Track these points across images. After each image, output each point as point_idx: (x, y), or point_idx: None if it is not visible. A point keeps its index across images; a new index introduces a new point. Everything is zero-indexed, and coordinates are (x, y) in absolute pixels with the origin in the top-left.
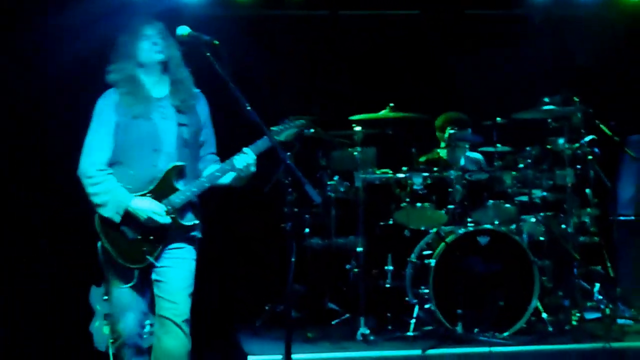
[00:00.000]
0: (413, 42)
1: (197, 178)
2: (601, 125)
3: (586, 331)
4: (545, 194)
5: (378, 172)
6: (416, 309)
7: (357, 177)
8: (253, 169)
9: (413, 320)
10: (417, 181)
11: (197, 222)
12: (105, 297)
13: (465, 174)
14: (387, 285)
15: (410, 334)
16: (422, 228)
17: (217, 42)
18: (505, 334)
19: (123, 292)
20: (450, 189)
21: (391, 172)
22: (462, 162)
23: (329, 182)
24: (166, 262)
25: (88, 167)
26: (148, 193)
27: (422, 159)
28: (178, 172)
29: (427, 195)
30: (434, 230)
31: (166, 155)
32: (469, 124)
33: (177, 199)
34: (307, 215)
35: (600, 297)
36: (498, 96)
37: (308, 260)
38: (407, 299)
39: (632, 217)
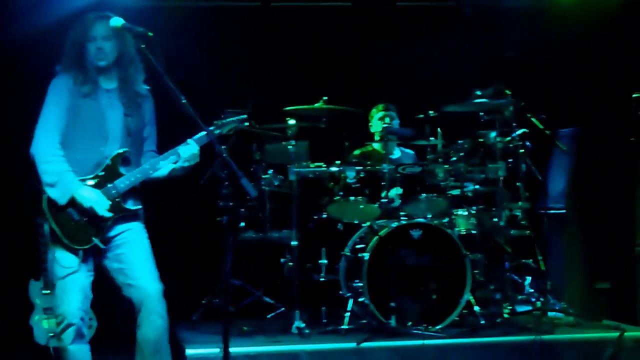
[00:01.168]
0: (346, 34)
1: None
2: (532, 119)
3: (517, 324)
4: (477, 187)
5: (312, 165)
6: (350, 302)
7: (290, 171)
8: (198, 159)
9: (347, 314)
10: (351, 175)
11: (140, 206)
12: (45, 291)
13: (398, 167)
14: (322, 279)
15: (344, 327)
16: (356, 222)
17: (151, 34)
18: (438, 326)
19: (67, 272)
20: (383, 183)
21: (325, 165)
22: (397, 154)
23: (263, 176)
24: (121, 249)
25: (43, 146)
26: (96, 177)
27: (357, 152)
28: (123, 159)
29: (360, 188)
30: (367, 224)
31: (112, 142)
32: (395, 112)
33: (122, 183)
34: (242, 209)
35: (531, 290)
36: (430, 89)
37: (243, 254)
38: (341, 292)
39: (563, 211)
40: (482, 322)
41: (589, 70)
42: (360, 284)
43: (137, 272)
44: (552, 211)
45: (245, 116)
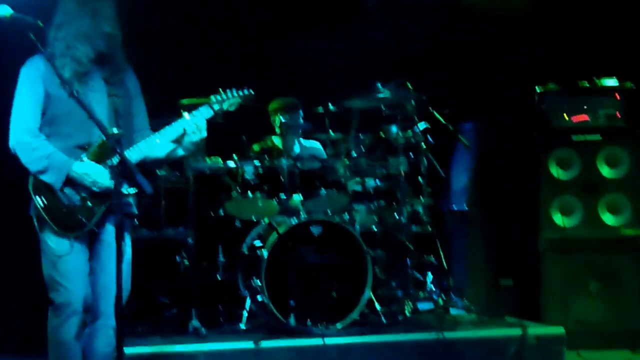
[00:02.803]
0: (244, 25)
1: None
2: (435, 113)
3: (419, 322)
4: (378, 182)
5: (208, 161)
6: (248, 301)
7: (187, 166)
8: (205, 133)
9: (245, 313)
10: (249, 170)
11: (135, 190)
12: None
13: (297, 162)
14: (219, 278)
15: (242, 326)
16: (254, 218)
17: (41, 25)
18: (339, 325)
19: (63, 261)
20: (282, 178)
21: (222, 161)
22: (297, 149)
23: (158, 172)
24: (104, 245)
25: (21, 135)
26: (86, 158)
27: (256, 147)
28: (116, 141)
29: (259, 184)
30: (266, 220)
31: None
32: (299, 108)
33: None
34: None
35: (433, 287)
36: (331, 82)
37: (137, 252)
38: (239, 291)
39: (465, 207)
40: (384, 320)
41: (493, 64)
42: (259, 283)
43: (110, 282)
44: (454, 207)
45: (253, 94)
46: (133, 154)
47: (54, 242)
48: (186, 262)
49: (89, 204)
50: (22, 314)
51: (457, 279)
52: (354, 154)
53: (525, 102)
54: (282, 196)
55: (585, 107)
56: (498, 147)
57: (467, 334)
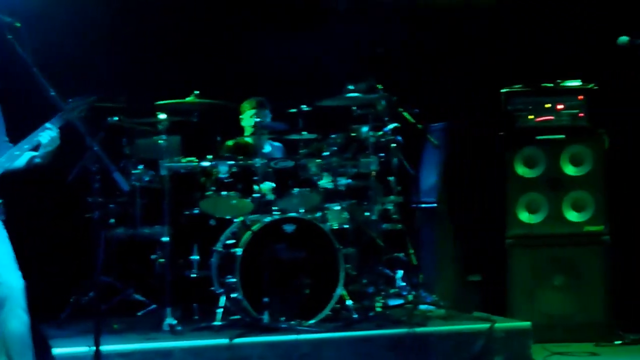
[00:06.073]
0: (217, 26)
1: None
2: (404, 113)
3: (390, 317)
4: (349, 181)
5: (183, 160)
6: (223, 298)
7: (162, 166)
8: (58, 142)
9: (220, 310)
10: (223, 169)
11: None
12: None
13: (270, 161)
14: (193, 275)
15: (217, 323)
16: (228, 217)
17: (18, 25)
18: (312, 321)
19: None
20: (255, 177)
21: (196, 160)
22: (268, 148)
23: (133, 171)
24: None
25: None
26: None
27: (230, 142)
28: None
29: (233, 183)
30: (240, 219)
31: None
32: (267, 107)
33: None
34: (112, 205)
35: (403, 283)
36: (303, 83)
37: (113, 250)
38: (213, 288)
39: (434, 205)
40: (355, 316)
41: (461, 65)
42: (233, 280)
43: (4, 270)
44: (423, 205)
45: (95, 97)
46: None
47: None
48: (161, 260)
49: None
50: None
51: (427, 274)
52: (326, 153)
53: (492, 102)
54: (256, 195)
55: (549, 107)
56: (466, 146)
57: (436, 329)
